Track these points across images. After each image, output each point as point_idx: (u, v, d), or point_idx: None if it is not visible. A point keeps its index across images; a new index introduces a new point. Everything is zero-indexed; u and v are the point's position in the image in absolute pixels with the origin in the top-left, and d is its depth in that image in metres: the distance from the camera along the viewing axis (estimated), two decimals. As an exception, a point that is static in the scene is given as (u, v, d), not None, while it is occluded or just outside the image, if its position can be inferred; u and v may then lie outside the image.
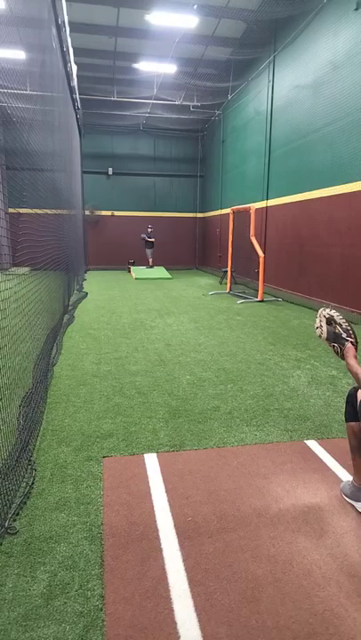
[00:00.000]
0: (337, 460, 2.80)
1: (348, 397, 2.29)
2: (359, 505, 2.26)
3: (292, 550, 1.98)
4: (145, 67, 11.89)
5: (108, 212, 17.66)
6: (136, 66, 12.01)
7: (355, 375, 1.91)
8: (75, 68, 9.06)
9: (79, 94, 11.42)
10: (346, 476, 2.60)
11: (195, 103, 14.06)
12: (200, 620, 1.61)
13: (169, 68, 11.81)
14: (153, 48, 11.35)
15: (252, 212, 9.68)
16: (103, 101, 13.84)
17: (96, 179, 17.14)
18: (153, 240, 15.78)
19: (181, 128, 16.90)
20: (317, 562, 1.91)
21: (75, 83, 9.44)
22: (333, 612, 1.66)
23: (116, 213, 17.74)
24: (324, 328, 2.21)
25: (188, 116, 15.04)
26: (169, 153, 17.88)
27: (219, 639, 1.54)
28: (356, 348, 2.10)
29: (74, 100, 9.97)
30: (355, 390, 2.25)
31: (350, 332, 2.15)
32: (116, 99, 13.57)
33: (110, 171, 17.31)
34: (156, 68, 11.82)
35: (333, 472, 2.67)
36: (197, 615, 1.63)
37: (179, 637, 1.54)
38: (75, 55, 8.73)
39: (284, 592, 1.75)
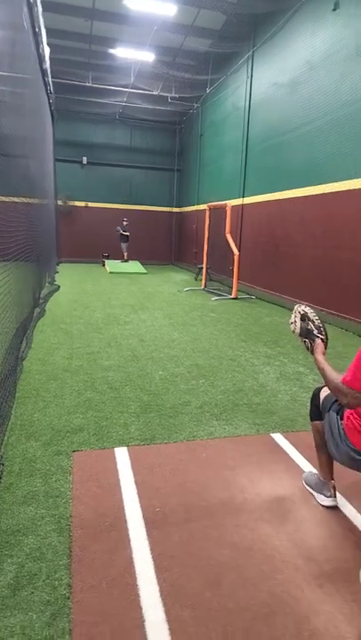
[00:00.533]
0: (300, 452, 2.93)
1: (312, 397, 2.40)
2: (320, 497, 2.38)
3: (254, 537, 2.08)
4: (122, 53, 11.72)
5: (82, 203, 17.40)
6: (113, 51, 11.83)
7: (321, 370, 2.01)
8: (47, 50, 8.83)
9: (52, 78, 11.16)
10: (308, 467, 2.73)
11: (173, 94, 14.01)
12: (165, 605, 1.69)
13: (147, 56, 11.71)
14: (131, 34, 11.23)
15: (228, 209, 9.79)
16: (78, 87, 13.57)
17: (70, 167, 16.83)
18: (128, 234, 15.68)
19: (159, 119, 16.81)
20: (278, 547, 2.02)
21: (47, 65, 9.20)
22: (290, 594, 1.77)
23: (91, 204, 17.51)
24: (298, 324, 2.31)
25: (166, 107, 14.97)
26: (146, 144, 17.75)
27: (182, 621, 1.62)
28: (325, 345, 2.20)
29: (46, 84, 9.74)
30: (318, 391, 2.36)
31: (321, 329, 2.25)
32: (91, 84, 13.34)
33: (85, 160, 17.03)
34: (133, 55, 11.68)
35: (297, 463, 2.80)
36: (162, 600, 1.71)
37: (144, 621, 1.61)
38: (48, 36, 8.51)
39: (245, 576, 1.84)
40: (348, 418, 1.99)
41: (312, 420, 2.38)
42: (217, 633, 1.58)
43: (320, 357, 2.10)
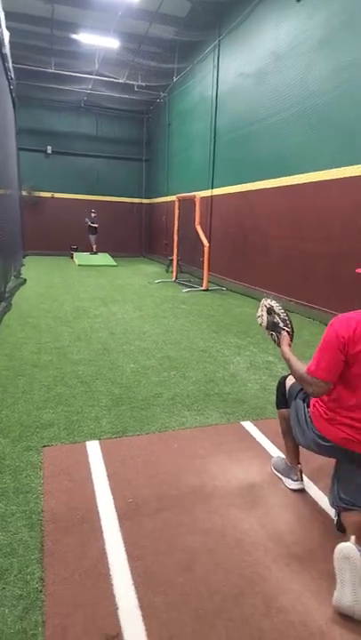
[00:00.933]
0: (269, 439, 3.01)
1: (278, 386, 2.46)
2: (288, 481, 2.46)
3: (224, 522, 2.14)
4: (86, 39, 11.44)
5: (48, 194, 16.98)
6: (76, 37, 11.52)
7: (287, 361, 2.08)
8: (7, 34, 8.50)
9: (13, 63, 10.76)
10: (277, 453, 2.81)
11: (139, 83, 13.81)
12: (138, 592, 1.72)
13: (111, 43, 11.48)
14: (94, 19, 10.96)
15: (198, 200, 9.80)
16: (41, 73, 13.14)
17: (34, 157, 16.35)
18: (96, 225, 15.45)
19: (125, 108, 16.55)
20: (247, 531, 2.09)
21: (7, 50, 8.86)
22: (259, 575, 1.83)
23: (57, 195, 17.10)
24: (265, 317, 2.37)
25: (133, 96, 14.75)
26: (112, 133, 17.44)
27: (155, 607, 1.66)
28: (291, 337, 2.28)
29: (6, 69, 9.39)
30: (284, 379, 2.43)
31: (287, 322, 2.33)
32: (54, 71, 12.95)
33: (49, 149, 16.58)
34: (97, 41, 11.42)
35: (266, 450, 2.88)
36: (135, 587, 1.74)
37: (117, 609, 1.64)
38: (7, 19, 8.19)
39: (217, 560, 1.90)
40: (315, 405, 2.06)
41: (278, 407, 2.45)
42: (189, 616, 1.63)
43: (286, 349, 2.17)
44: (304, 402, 2.16)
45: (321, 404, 2.02)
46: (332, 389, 1.91)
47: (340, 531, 2.05)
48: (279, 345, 2.27)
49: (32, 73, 13.23)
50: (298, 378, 1.98)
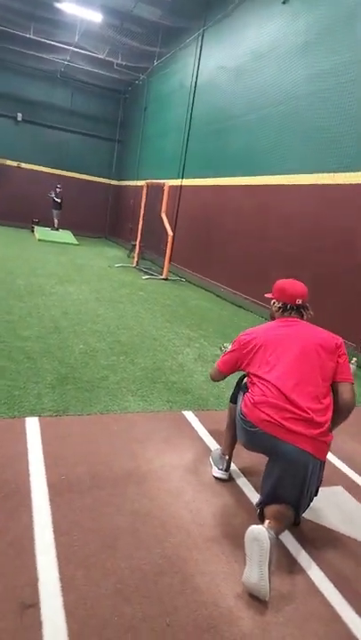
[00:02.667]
0: (207, 430, 3.12)
1: (238, 381, 2.55)
2: (215, 469, 2.58)
3: (153, 505, 2.22)
4: (69, 8, 11.01)
5: (14, 163, 16.27)
6: (59, 5, 11.07)
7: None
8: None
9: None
10: (212, 444, 2.92)
11: (119, 61, 13.48)
12: (60, 565, 1.76)
13: (94, 16, 11.12)
14: (79, -11, 10.56)
15: (166, 188, 9.76)
16: (18, 37, 12.55)
17: (2, 122, 15.59)
18: (59, 201, 15.00)
19: (103, 85, 16.11)
20: (173, 514, 2.17)
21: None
22: (180, 556, 1.92)
23: (23, 165, 16.43)
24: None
25: (111, 73, 14.38)
26: (87, 109, 16.92)
27: (75, 580, 1.70)
28: None
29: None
30: (245, 376, 2.49)
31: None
32: (32, 37, 12.41)
33: (20, 116, 15.85)
34: (80, 12, 11.03)
35: (202, 439, 2.98)
36: (58, 561, 1.78)
37: (38, 580, 1.67)
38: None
39: (141, 540, 1.97)
40: (246, 395, 2.22)
41: (230, 401, 2.54)
42: (107, 590, 1.69)
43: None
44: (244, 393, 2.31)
45: (250, 394, 2.18)
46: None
47: (261, 520, 2.19)
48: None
49: (9, 35, 12.61)
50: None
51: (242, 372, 2.56)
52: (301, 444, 1.98)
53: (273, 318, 2.44)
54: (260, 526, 1.82)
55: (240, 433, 2.25)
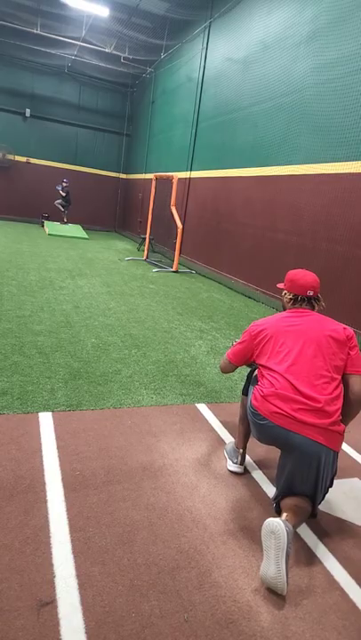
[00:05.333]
0: (221, 422, 3.08)
1: (248, 374, 2.55)
2: (229, 462, 2.55)
3: (169, 499, 2.19)
4: (75, 3, 10.92)
5: (23, 158, 16.28)
6: (65, 0, 10.99)
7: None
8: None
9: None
10: (226, 436, 2.89)
11: (126, 55, 13.35)
12: (76, 561, 1.74)
13: (101, 11, 11.01)
14: (85, -16, 10.45)
15: (175, 181, 9.68)
16: (25, 33, 12.51)
17: (11, 118, 15.60)
18: (65, 195, 15.02)
19: (110, 79, 15.98)
20: (190, 508, 2.15)
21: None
22: (197, 550, 1.90)
23: (33, 160, 16.43)
24: None
25: (119, 67, 14.26)
26: (95, 104, 16.85)
27: (91, 576, 1.69)
28: None
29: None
30: (256, 369, 2.49)
31: None
32: (39, 32, 12.35)
33: (28, 112, 15.83)
34: (86, 7, 10.94)
35: (216, 432, 2.95)
36: (74, 557, 1.76)
37: (54, 577, 1.66)
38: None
39: (157, 534, 1.95)
40: (256, 387, 2.19)
41: (243, 394, 2.54)
42: (124, 586, 1.67)
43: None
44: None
45: (259, 387, 2.15)
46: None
47: (278, 514, 2.15)
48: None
49: (16, 32, 12.56)
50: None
51: (253, 366, 2.52)
52: (313, 435, 1.95)
53: (285, 309, 2.38)
54: (276, 519, 1.79)
55: (252, 426, 2.22)
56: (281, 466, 2.08)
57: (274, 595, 1.73)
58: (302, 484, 2.00)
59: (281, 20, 7.56)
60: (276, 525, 1.75)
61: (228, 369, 2.45)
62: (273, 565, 1.70)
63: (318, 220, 6.60)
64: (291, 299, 2.32)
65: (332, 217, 6.37)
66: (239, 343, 2.36)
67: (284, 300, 2.37)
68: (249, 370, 2.55)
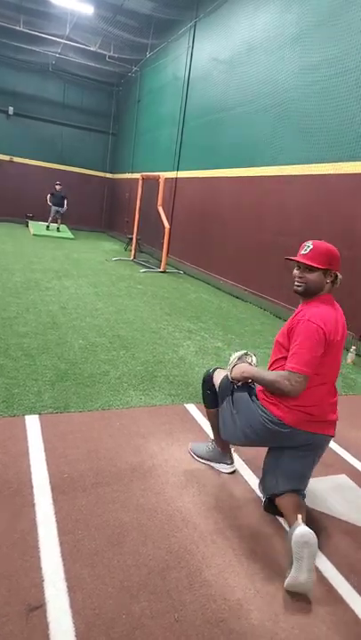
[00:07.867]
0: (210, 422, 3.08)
1: (204, 382, 2.38)
2: (222, 466, 2.51)
3: (158, 500, 2.19)
4: (59, 0, 10.84)
5: (6, 157, 16.07)
6: (48, -3, 10.90)
7: (253, 376, 2.05)
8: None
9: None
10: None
11: (111, 53, 13.29)
12: (65, 564, 1.73)
13: (85, 9, 10.94)
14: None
15: (162, 180, 9.67)
16: (8, 30, 12.36)
17: (-6, 117, 15.40)
18: (52, 195, 14.75)
19: (95, 78, 15.87)
20: (180, 508, 2.15)
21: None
22: (187, 549, 1.90)
23: (16, 159, 16.23)
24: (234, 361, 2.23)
25: (104, 66, 14.17)
26: (80, 102, 16.70)
27: (81, 579, 1.68)
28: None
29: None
30: (210, 377, 2.37)
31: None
32: (22, 29, 12.21)
33: (11, 110, 15.60)
34: (71, 4, 10.85)
35: (205, 432, 2.95)
36: (63, 560, 1.75)
37: (43, 580, 1.65)
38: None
39: (147, 535, 1.95)
40: (263, 399, 2.05)
41: (209, 407, 2.39)
42: (114, 588, 1.67)
43: (247, 366, 2.13)
44: (251, 396, 2.12)
45: (267, 395, 2.02)
46: None
47: (269, 511, 2.17)
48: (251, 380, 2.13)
49: (-1, 28, 12.41)
50: (272, 383, 1.92)
51: (208, 372, 2.39)
52: (329, 430, 2.06)
53: (315, 294, 1.99)
54: (308, 530, 1.76)
55: (262, 435, 2.04)
56: (278, 464, 2.08)
57: (264, 592, 1.74)
58: (307, 479, 2.09)
59: (267, 20, 7.60)
60: (310, 537, 1.74)
61: (303, 387, 1.87)
62: (305, 573, 1.71)
63: (305, 220, 6.66)
64: (334, 279, 2.01)
65: (318, 218, 6.43)
66: (311, 349, 1.85)
67: (325, 281, 2.00)
68: (205, 374, 2.38)
